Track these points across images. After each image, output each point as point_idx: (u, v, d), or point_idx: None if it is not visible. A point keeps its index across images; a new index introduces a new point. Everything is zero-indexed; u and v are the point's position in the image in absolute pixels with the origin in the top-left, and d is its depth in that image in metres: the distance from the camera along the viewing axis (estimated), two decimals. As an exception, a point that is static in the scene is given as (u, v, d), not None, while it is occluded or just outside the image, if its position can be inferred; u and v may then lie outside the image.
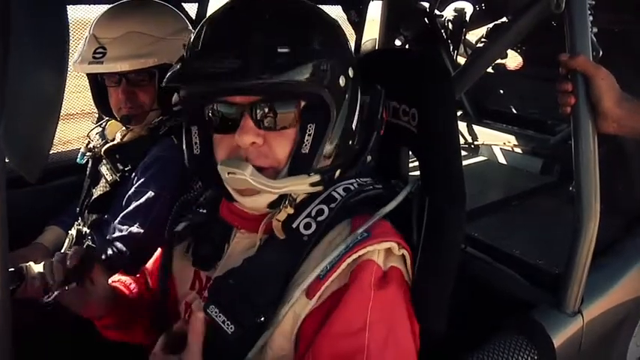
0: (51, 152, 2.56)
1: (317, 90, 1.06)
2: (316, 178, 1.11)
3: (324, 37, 1.11)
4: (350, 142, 1.16)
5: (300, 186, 1.11)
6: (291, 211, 1.13)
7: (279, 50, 1.02)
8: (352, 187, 1.16)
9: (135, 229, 1.82)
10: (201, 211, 1.33)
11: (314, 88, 1.06)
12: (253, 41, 1.02)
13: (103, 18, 1.91)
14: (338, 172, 1.16)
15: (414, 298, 1.14)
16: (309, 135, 1.09)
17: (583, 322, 1.53)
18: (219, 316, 1.04)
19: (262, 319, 1.04)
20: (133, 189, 1.88)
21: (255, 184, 1.05)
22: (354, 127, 1.16)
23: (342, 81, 1.11)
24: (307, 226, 1.11)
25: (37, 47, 0.60)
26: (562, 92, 1.44)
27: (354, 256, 1.05)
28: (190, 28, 1.99)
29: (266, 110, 1.08)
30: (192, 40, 1.13)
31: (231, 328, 1.03)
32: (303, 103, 1.10)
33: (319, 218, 1.11)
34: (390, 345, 1.02)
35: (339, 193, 1.14)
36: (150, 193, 1.85)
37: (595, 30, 1.62)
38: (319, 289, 1.04)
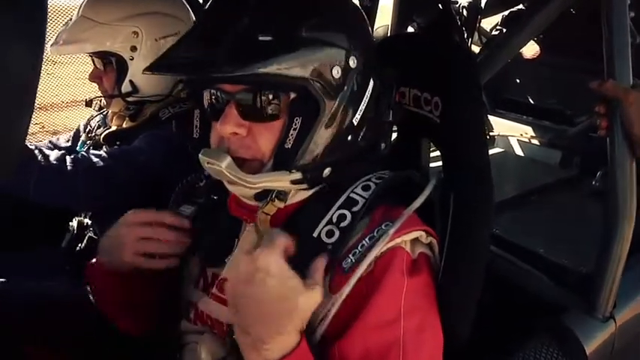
0: (54, 139, 2.52)
1: (301, 82, 0.98)
2: (297, 175, 1.04)
3: (315, 24, 1.01)
4: (349, 138, 1.08)
5: (280, 182, 1.05)
6: (280, 205, 1.09)
7: (260, 39, 0.96)
8: (371, 185, 1.10)
9: (109, 160, 1.75)
10: (212, 197, 1.28)
11: (297, 79, 0.98)
12: (232, 29, 0.96)
13: None
14: (328, 171, 1.07)
15: (438, 300, 1.08)
16: (295, 129, 1.02)
17: (615, 328, 1.45)
18: None
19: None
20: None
21: (230, 177, 1.01)
22: (355, 121, 1.07)
23: (336, 72, 1.01)
24: (330, 233, 1.04)
25: (9, 21, 0.49)
26: (597, 114, 1.38)
27: (383, 249, 1.00)
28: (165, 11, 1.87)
29: (250, 100, 1.01)
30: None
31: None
32: (293, 95, 1.03)
33: (342, 224, 1.04)
34: (426, 329, 1.01)
35: (359, 195, 1.08)
36: (138, 143, 1.82)
37: (632, 14, 1.53)
38: (344, 283, 0.98)
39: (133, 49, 1.78)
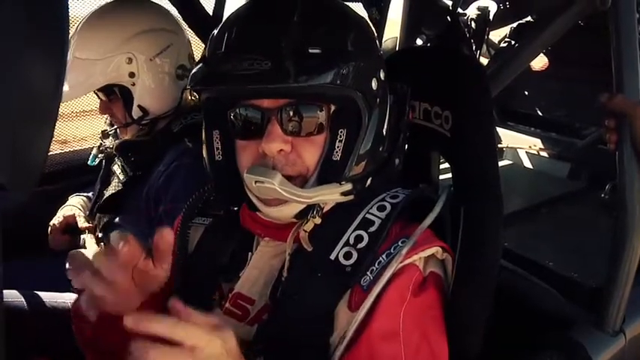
0: (65, 151, 2.53)
1: (349, 93, 1.00)
2: (348, 186, 1.05)
3: (355, 37, 1.05)
4: (380, 149, 1.10)
5: (331, 195, 1.05)
6: (318, 221, 1.07)
7: (310, 51, 0.96)
8: (386, 205, 1.10)
9: None
10: (217, 213, 1.28)
11: (346, 91, 1.00)
12: (283, 42, 0.96)
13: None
14: (369, 180, 1.09)
15: (448, 318, 1.08)
16: (340, 141, 1.03)
17: (625, 342, 1.43)
18: None
19: None
20: (162, 206, 1.78)
21: (285, 194, 0.99)
22: (384, 132, 1.10)
23: (374, 84, 1.05)
24: (347, 255, 1.04)
25: (29, 34, 0.50)
26: (606, 128, 1.37)
27: (399, 266, 1.00)
28: (148, 29, 1.83)
29: (294, 115, 1.01)
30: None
31: None
32: (333, 108, 1.04)
33: (359, 245, 1.05)
34: (422, 347, 0.99)
35: (375, 215, 1.08)
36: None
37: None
38: (363, 300, 0.99)
39: (132, 75, 1.78)
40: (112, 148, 1.94)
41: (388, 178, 1.16)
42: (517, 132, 3.28)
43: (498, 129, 3.35)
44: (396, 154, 1.17)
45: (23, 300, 1.77)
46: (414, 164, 1.41)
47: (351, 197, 1.07)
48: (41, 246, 2.03)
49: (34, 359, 1.45)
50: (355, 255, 1.03)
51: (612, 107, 1.32)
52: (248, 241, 1.20)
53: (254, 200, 1.08)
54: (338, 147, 1.03)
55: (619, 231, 1.38)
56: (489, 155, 1.18)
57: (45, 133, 0.52)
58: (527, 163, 3.16)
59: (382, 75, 1.09)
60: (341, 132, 1.03)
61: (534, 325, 1.45)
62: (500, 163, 3.21)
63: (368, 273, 1.01)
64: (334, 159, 1.03)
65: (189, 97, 1.94)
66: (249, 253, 1.18)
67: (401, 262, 1.00)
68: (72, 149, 2.72)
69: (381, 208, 1.09)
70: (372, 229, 1.06)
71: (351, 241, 1.05)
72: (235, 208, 1.23)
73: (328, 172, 1.04)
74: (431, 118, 1.26)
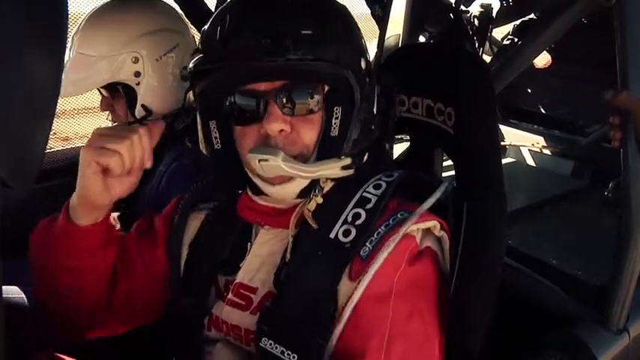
0: (67, 148, 2.52)
1: (342, 72, 1.05)
2: (347, 161, 1.10)
3: (343, 22, 1.11)
4: (372, 127, 1.15)
5: (332, 170, 1.09)
6: (320, 200, 1.10)
7: (303, 32, 1.01)
8: (382, 184, 1.12)
9: None
10: (217, 202, 1.29)
11: (339, 69, 1.05)
12: (278, 24, 1.01)
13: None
14: (366, 156, 1.14)
15: (451, 317, 1.08)
16: (337, 118, 1.08)
17: (629, 340, 1.43)
18: (276, 348, 1.02)
19: (323, 340, 1.01)
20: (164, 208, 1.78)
21: (288, 170, 1.02)
22: (374, 110, 1.15)
23: (363, 63, 1.11)
24: (347, 232, 1.07)
25: (29, 33, 0.49)
26: (611, 125, 1.36)
27: (398, 236, 1.02)
28: (153, 29, 1.79)
29: (291, 96, 1.05)
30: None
31: (293, 357, 1.01)
32: (326, 88, 1.08)
33: (357, 222, 1.07)
34: (414, 318, 1.02)
35: (371, 193, 1.11)
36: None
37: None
38: (363, 270, 1.01)
39: (137, 74, 1.75)
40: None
41: (381, 158, 1.21)
42: (520, 129, 3.29)
43: (501, 126, 3.35)
44: (387, 140, 1.22)
45: (24, 296, 1.76)
46: (417, 161, 1.41)
47: (351, 171, 1.11)
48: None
49: (35, 356, 1.45)
50: (354, 232, 1.06)
51: (617, 104, 1.31)
52: (246, 232, 1.21)
53: (257, 182, 1.11)
54: (335, 124, 1.08)
55: (623, 229, 1.37)
56: (493, 152, 1.17)
57: (43, 129, 0.52)
58: (531, 161, 3.16)
59: (369, 56, 1.15)
60: (336, 109, 1.08)
61: (538, 323, 1.45)
62: (504, 161, 3.18)
63: (367, 244, 1.03)
64: (332, 135, 1.08)
65: (192, 98, 1.93)
66: (249, 244, 1.20)
67: (398, 232, 1.02)
68: (74, 146, 2.71)
69: (377, 187, 1.12)
70: (369, 206, 1.08)
71: (350, 219, 1.08)
72: (235, 200, 1.23)
73: (328, 148, 1.08)
74: (434, 114, 1.26)
